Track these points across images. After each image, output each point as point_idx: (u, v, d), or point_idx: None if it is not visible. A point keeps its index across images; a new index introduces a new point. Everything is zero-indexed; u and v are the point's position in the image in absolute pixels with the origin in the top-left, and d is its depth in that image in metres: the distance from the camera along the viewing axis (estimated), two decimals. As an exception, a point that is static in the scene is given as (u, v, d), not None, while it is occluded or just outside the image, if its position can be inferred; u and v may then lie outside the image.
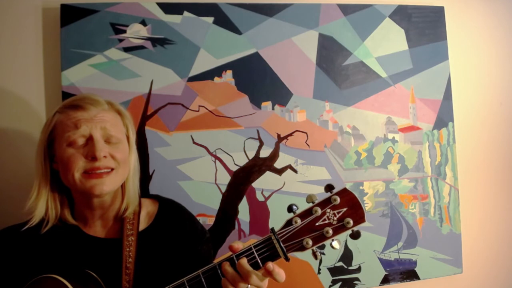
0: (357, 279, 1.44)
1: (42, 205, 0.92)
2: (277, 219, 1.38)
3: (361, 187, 1.46)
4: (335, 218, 0.81)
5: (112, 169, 0.91)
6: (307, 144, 1.43)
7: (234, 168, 1.37)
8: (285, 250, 0.79)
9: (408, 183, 1.51)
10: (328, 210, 0.82)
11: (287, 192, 1.40)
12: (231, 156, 1.37)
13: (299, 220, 0.81)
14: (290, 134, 1.42)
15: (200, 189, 1.34)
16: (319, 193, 0.84)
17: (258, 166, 1.39)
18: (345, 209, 0.81)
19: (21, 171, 1.27)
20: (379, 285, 1.46)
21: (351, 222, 0.80)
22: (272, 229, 0.81)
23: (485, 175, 1.62)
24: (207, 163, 1.35)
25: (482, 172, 1.62)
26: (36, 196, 0.92)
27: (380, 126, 1.50)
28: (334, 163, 1.45)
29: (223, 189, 1.36)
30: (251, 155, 1.38)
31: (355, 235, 0.81)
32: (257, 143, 1.39)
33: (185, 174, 1.33)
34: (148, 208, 1.03)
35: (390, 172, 1.49)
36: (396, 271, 1.47)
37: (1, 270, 0.90)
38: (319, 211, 0.81)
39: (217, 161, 1.36)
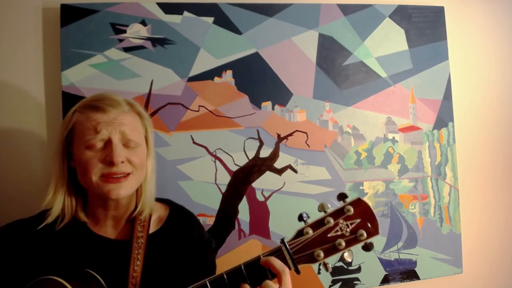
0: (357, 279, 1.44)
1: (59, 203, 0.92)
2: (277, 219, 1.38)
3: (361, 187, 1.46)
4: (348, 230, 0.78)
5: (129, 174, 0.91)
6: (307, 144, 1.43)
7: (234, 168, 1.37)
8: (295, 262, 0.77)
9: (408, 183, 1.51)
10: (341, 221, 0.79)
11: (287, 192, 1.40)
12: (231, 156, 1.37)
13: (310, 231, 0.78)
14: (290, 134, 1.42)
15: (200, 189, 1.34)
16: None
17: (258, 166, 1.39)
18: (358, 220, 0.79)
19: (21, 170, 1.27)
20: (379, 285, 1.46)
21: (365, 234, 0.77)
22: (283, 239, 0.79)
23: (485, 175, 1.62)
24: (207, 163, 1.35)
25: (482, 172, 1.62)
26: (53, 194, 0.92)
27: (380, 126, 1.50)
28: (334, 163, 1.45)
29: (223, 189, 1.36)
30: (251, 155, 1.38)
31: (368, 247, 0.78)
32: (257, 143, 1.39)
33: (185, 174, 1.33)
34: (159, 212, 1.02)
35: (390, 172, 1.49)
36: (396, 271, 1.47)
37: (6, 265, 0.89)
38: (332, 221, 0.78)
39: (217, 161, 1.36)
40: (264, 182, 1.38)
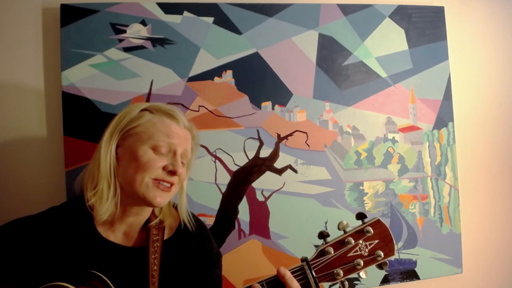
0: (357, 279, 1.44)
1: (111, 197, 0.89)
2: (277, 219, 1.38)
3: (361, 187, 1.46)
4: (367, 250, 0.82)
5: (173, 185, 0.93)
6: (307, 144, 1.43)
7: (234, 168, 1.37)
8: (317, 280, 0.79)
9: (408, 183, 1.51)
10: (361, 241, 0.83)
11: (287, 192, 1.40)
12: (231, 156, 1.37)
13: (332, 250, 0.81)
14: (290, 134, 1.42)
15: (200, 189, 1.34)
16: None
17: (258, 166, 1.39)
18: (377, 241, 0.83)
19: (21, 171, 1.27)
20: (379, 285, 1.46)
21: (382, 255, 0.81)
22: (306, 258, 0.82)
23: (485, 175, 1.62)
24: (207, 163, 1.35)
25: (482, 172, 1.62)
26: (103, 187, 0.89)
27: (380, 126, 1.50)
28: (334, 163, 1.45)
29: (223, 189, 1.36)
30: (251, 155, 1.38)
31: (382, 266, 0.83)
32: (257, 143, 1.39)
33: (185, 174, 1.33)
34: (171, 219, 1.02)
35: (390, 172, 1.49)
36: (396, 271, 1.47)
37: (11, 262, 0.87)
38: (352, 242, 0.82)
39: (217, 161, 1.36)
40: (264, 182, 1.38)
